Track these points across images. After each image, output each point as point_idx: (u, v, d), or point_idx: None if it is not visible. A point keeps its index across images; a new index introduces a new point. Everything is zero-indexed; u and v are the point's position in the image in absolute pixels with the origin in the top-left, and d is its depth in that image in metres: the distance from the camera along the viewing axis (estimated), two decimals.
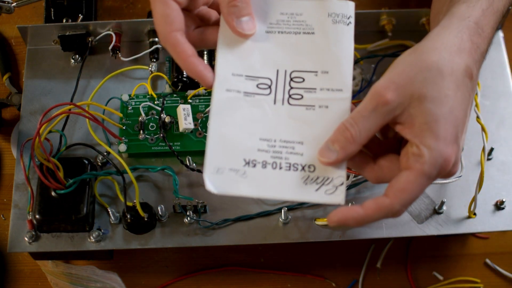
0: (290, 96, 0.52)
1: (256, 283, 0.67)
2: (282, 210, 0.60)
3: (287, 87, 0.53)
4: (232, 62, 0.52)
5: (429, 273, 0.67)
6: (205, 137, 0.64)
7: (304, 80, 0.53)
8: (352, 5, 0.55)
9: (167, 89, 0.67)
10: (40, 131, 0.57)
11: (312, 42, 0.54)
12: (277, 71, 0.53)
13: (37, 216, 0.59)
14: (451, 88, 0.49)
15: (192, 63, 0.50)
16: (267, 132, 0.51)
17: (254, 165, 0.50)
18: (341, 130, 0.49)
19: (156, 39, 0.69)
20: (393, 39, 0.70)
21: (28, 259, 0.65)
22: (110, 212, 0.60)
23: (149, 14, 0.73)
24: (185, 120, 0.63)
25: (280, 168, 0.50)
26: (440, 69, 0.49)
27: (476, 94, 0.63)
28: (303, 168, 0.50)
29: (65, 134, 0.63)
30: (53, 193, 0.59)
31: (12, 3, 0.68)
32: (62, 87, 0.68)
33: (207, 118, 0.65)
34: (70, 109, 0.61)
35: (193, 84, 0.67)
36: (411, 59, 0.50)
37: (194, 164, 0.63)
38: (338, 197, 0.49)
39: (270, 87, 0.52)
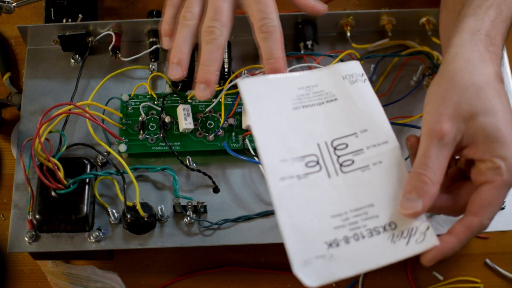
0: (341, 164, 0.52)
1: (256, 283, 0.67)
2: None
3: (334, 157, 0.52)
4: (274, 149, 0.51)
5: (429, 273, 0.67)
6: (205, 137, 0.64)
7: (347, 145, 0.52)
8: (358, 64, 0.56)
9: (167, 89, 0.67)
10: (40, 131, 0.57)
11: (339, 107, 0.54)
12: (318, 144, 0.52)
13: (37, 216, 0.59)
14: (494, 96, 0.50)
15: None
16: (335, 208, 0.50)
17: (338, 244, 0.48)
18: (415, 177, 0.48)
19: (156, 39, 0.69)
20: (393, 39, 0.70)
21: (28, 259, 0.65)
22: (110, 212, 0.60)
23: (149, 14, 0.73)
24: (185, 120, 0.63)
25: (363, 237, 0.49)
26: (477, 84, 0.50)
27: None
28: (384, 229, 0.49)
29: (65, 134, 0.63)
30: (53, 193, 0.59)
31: (12, 3, 0.68)
32: (62, 87, 0.68)
33: (207, 118, 0.65)
34: (70, 109, 0.61)
35: (193, 84, 0.67)
36: (445, 87, 0.51)
37: (194, 164, 0.63)
38: (431, 240, 0.48)
39: (318, 162, 0.51)
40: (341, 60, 0.66)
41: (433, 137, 0.48)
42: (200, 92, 0.56)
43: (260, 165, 0.50)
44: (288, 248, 0.47)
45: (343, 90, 0.55)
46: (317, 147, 0.52)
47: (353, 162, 0.52)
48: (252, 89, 0.53)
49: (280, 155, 0.51)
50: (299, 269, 0.47)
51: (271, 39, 0.55)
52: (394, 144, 0.52)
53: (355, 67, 0.56)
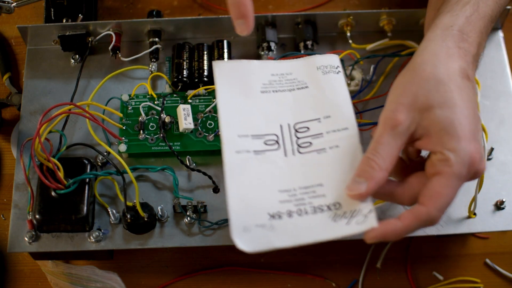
0: (299, 145, 0.54)
1: (256, 283, 0.67)
2: None
3: (294, 138, 0.54)
4: (235, 125, 0.54)
5: (429, 273, 0.67)
6: (205, 137, 0.64)
7: (309, 128, 0.55)
8: (336, 57, 0.58)
9: (167, 89, 0.67)
10: (40, 131, 0.57)
11: (308, 94, 0.57)
12: (281, 126, 0.55)
13: (37, 216, 0.59)
14: (454, 90, 0.50)
15: None
16: (284, 183, 0.52)
17: (280, 217, 0.50)
18: (365, 162, 0.49)
19: (156, 39, 0.69)
20: (393, 39, 0.70)
21: (28, 259, 0.65)
22: (110, 212, 0.60)
23: (149, 14, 0.73)
24: (185, 120, 0.63)
25: (306, 213, 0.50)
26: (438, 78, 0.50)
27: (476, 94, 0.63)
28: (329, 208, 0.50)
29: (65, 134, 0.63)
30: (53, 193, 0.59)
31: (12, 3, 0.68)
32: (62, 87, 0.68)
33: (207, 118, 0.65)
34: (70, 109, 0.61)
35: (193, 84, 0.67)
36: (408, 78, 0.52)
37: (194, 164, 0.63)
38: (371, 222, 0.49)
39: (277, 142, 0.54)
40: (341, 60, 0.66)
41: (387, 125, 0.50)
42: (239, 27, 0.53)
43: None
44: (230, 215, 0.49)
45: (315, 80, 0.57)
46: (279, 128, 0.55)
47: (311, 144, 0.54)
48: (225, 70, 0.57)
49: (240, 131, 0.54)
50: (236, 235, 0.48)
51: None
52: (353, 131, 0.54)
53: (331, 60, 0.58)
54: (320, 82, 0.57)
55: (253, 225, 0.49)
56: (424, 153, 0.53)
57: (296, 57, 0.61)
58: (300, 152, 0.53)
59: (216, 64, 0.57)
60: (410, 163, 0.54)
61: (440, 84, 0.50)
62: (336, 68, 0.58)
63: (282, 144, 0.54)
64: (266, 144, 0.53)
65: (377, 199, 0.56)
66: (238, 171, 0.51)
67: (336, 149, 0.53)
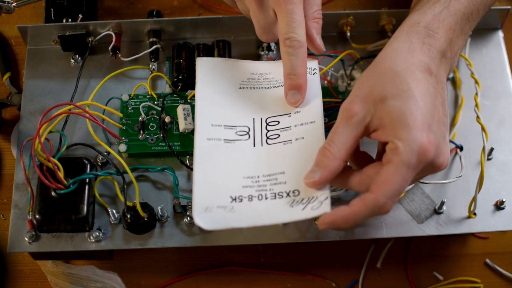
0: (268, 137, 0.57)
1: (256, 283, 0.67)
2: None
3: (264, 131, 0.57)
4: (210, 116, 0.57)
5: (429, 273, 0.67)
6: None
7: (279, 122, 0.58)
8: (315, 61, 0.61)
9: (167, 89, 0.67)
10: (40, 131, 0.57)
11: (282, 92, 0.59)
12: (253, 119, 0.58)
13: (37, 216, 0.59)
14: (410, 82, 0.51)
15: None
16: (249, 171, 0.55)
17: (241, 200, 0.53)
18: (321, 152, 0.51)
19: (156, 39, 0.69)
20: None
21: (28, 259, 0.65)
22: (110, 212, 0.60)
23: (149, 14, 0.73)
24: (185, 120, 0.63)
25: (266, 198, 0.53)
26: (394, 70, 0.52)
27: (476, 94, 0.63)
28: (288, 194, 0.53)
29: (65, 134, 0.63)
30: (53, 193, 0.59)
31: (12, 3, 0.68)
32: (62, 87, 0.68)
33: None
34: (70, 109, 0.61)
35: (193, 84, 0.67)
36: (368, 72, 0.54)
37: None
38: (325, 208, 0.50)
39: (248, 133, 0.57)
40: (341, 60, 0.66)
41: (343, 116, 0.51)
42: (291, 97, 0.57)
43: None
44: (194, 195, 0.53)
45: None
46: (251, 121, 0.58)
47: (279, 136, 0.56)
48: (206, 66, 0.61)
49: (214, 120, 0.57)
50: (197, 214, 0.51)
51: (295, 54, 0.56)
52: (319, 123, 0.56)
53: (309, 63, 0.60)
54: None
55: (214, 206, 0.52)
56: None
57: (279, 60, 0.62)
58: (267, 143, 0.56)
59: (199, 60, 0.61)
60: (377, 157, 0.55)
61: (396, 77, 0.51)
62: (313, 70, 0.60)
63: (253, 135, 0.57)
64: (237, 134, 0.57)
65: (334, 187, 0.58)
66: (207, 157, 0.55)
67: (301, 140, 0.55)
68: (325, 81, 0.68)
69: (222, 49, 0.68)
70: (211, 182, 0.54)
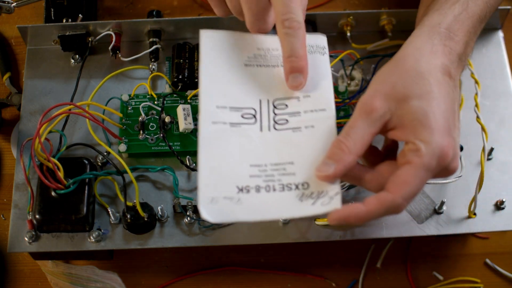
0: (275, 122, 0.54)
1: (256, 283, 0.67)
2: None
3: (272, 115, 0.54)
4: (215, 96, 0.54)
5: (429, 273, 0.67)
6: None
7: (287, 106, 0.55)
8: (324, 38, 0.58)
9: (167, 89, 0.67)
10: (40, 131, 0.57)
11: None
12: (260, 101, 0.55)
13: (37, 216, 0.59)
14: (433, 84, 0.50)
15: None
16: (256, 158, 0.52)
17: (248, 191, 0.50)
18: (336, 144, 0.50)
19: (156, 39, 0.69)
20: (393, 39, 0.70)
21: (28, 259, 0.65)
22: (110, 212, 0.60)
23: (149, 14, 0.73)
24: (185, 120, 0.63)
25: (274, 190, 0.51)
26: (418, 71, 0.51)
27: (476, 94, 0.63)
28: (297, 187, 0.51)
29: (65, 134, 0.63)
30: (53, 193, 0.59)
31: (12, 3, 0.68)
32: (62, 87, 0.68)
33: None
34: (70, 109, 0.61)
35: (193, 84, 0.67)
36: (389, 68, 0.52)
37: (194, 164, 0.63)
38: (335, 204, 0.49)
39: (254, 116, 0.54)
40: (341, 60, 0.66)
41: (362, 110, 0.50)
42: (293, 81, 0.54)
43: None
44: (199, 184, 0.49)
45: None
46: (258, 102, 0.55)
47: (287, 121, 0.54)
48: (211, 40, 0.56)
49: (219, 102, 0.54)
50: (203, 205, 0.49)
51: (295, 35, 0.53)
52: (331, 113, 0.54)
53: (319, 40, 0.57)
54: None
55: (220, 197, 0.50)
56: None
57: None
58: (275, 129, 0.54)
59: (204, 34, 0.56)
60: (384, 152, 0.54)
61: (419, 77, 0.51)
62: (323, 49, 0.57)
63: (259, 119, 0.54)
64: (243, 117, 0.54)
65: (345, 182, 0.56)
66: (212, 143, 0.52)
67: (311, 129, 0.53)
68: None
69: None
70: (217, 170, 0.51)
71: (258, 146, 0.53)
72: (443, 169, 0.50)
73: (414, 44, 0.53)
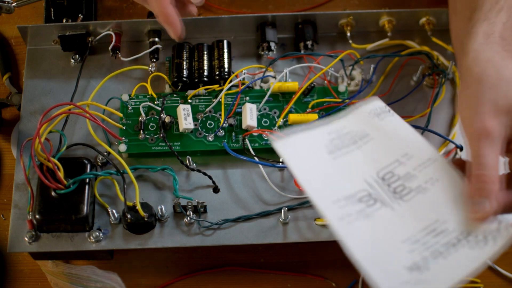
0: (394, 192, 0.51)
1: (256, 283, 0.67)
2: (282, 210, 0.60)
3: (385, 187, 0.52)
4: (324, 194, 0.51)
5: None
6: (205, 137, 0.64)
7: (393, 173, 0.52)
8: (378, 98, 0.56)
9: (167, 89, 0.67)
10: (40, 131, 0.57)
11: (373, 142, 0.54)
12: (365, 180, 0.52)
13: (37, 216, 0.59)
14: None
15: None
16: (402, 233, 0.49)
17: (418, 267, 0.48)
18: (475, 180, 0.48)
19: (156, 39, 0.69)
20: (393, 39, 0.70)
21: (28, 259, 0.65)
22: (110, 212, 0.60)
23: (149, 14, 0.73)
24: (185, 120, 0.63)
25: (440, 253, 0.48)
26: (505, 79, 0.50)
27: None
28: (458, 239, 0.49)
29: (65, 134, 0.63)
30: (53, 193, 0.59)
31: (12, 3, 0.68)
32: (62, 87, 0.68)
33: (207, 118, 0.65)
34: (70, 109, 0.61)
35: (193, 84, 0.67)
36: (475, 89, 0.51)
37: (194, 164, 0.63)
38: (506, 232, 0.48)
39: (371, 195, 0.51)
40: (341, 60, 0.66)
41: (480, 136, 0.48)
42: (169, 32, 0.62)
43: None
44: (375, 281, 0.46)
45: (373, 126, 0.55)
46: (364, 182, 0.52)
47: (404, 187, 0.51)
48: (289, 148, 0.54)
49: (331, 197, 0.51)
50: None
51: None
52: (437, 155, 0.52)
53: (376, 103, 0.56)
54: (380, 127, 0.55)
55: (398, 285, 0.47)
56: None
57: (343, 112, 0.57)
58: (403, 200, 0.51)
59: (279, 145, 0.54)
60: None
61: (511, 84, 0.50)
62: (386, 108, 0.56)
63: (377, 196, 0.51)
64: (361, 202, 0.51)
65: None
66: (355, 237, 0.48)
67: (433, 181, 0.51)
68: (325, 81, 0.68)
69: (222, 49, 0.68)
70: (377, 260, 0.47)
71: (395, 221, 0.50)
72: None
73: (481, 58, 0.52)
